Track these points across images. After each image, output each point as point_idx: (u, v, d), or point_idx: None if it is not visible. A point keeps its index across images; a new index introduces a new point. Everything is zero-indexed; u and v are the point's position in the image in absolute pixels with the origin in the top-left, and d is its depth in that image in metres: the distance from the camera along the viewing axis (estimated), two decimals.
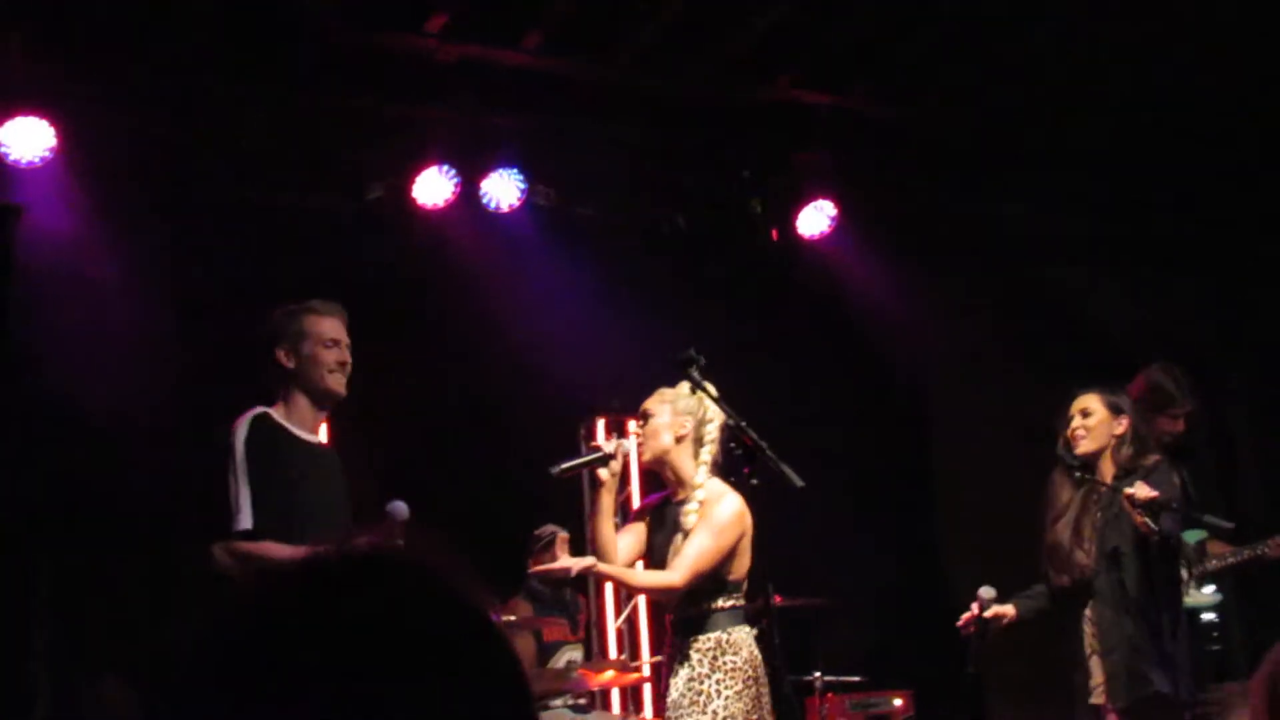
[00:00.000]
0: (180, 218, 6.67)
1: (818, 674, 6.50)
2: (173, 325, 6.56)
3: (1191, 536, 5.95)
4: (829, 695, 6.61)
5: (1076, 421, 5.22)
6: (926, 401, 8.46)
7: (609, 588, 7.67)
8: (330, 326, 4.43)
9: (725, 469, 4.49)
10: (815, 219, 7.56)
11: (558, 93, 6.83)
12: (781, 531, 4.63)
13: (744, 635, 4.53)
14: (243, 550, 4.04)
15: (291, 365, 4.36)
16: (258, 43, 6.15)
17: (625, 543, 4.70)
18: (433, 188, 6.80)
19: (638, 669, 6.97)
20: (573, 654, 6.77)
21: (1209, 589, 6.07)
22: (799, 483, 4.00)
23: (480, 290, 7.14)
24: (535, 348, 7.29)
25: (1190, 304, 8.72)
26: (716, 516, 4.42)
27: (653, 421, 4.67)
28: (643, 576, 4.75)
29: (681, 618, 4.57)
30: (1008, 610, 5.09)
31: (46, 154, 5.99)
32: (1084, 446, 5.19)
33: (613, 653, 7.52)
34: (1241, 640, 6.76)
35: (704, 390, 4.31)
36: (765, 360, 7.49)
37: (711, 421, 4.60)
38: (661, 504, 4.75)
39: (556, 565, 4.97)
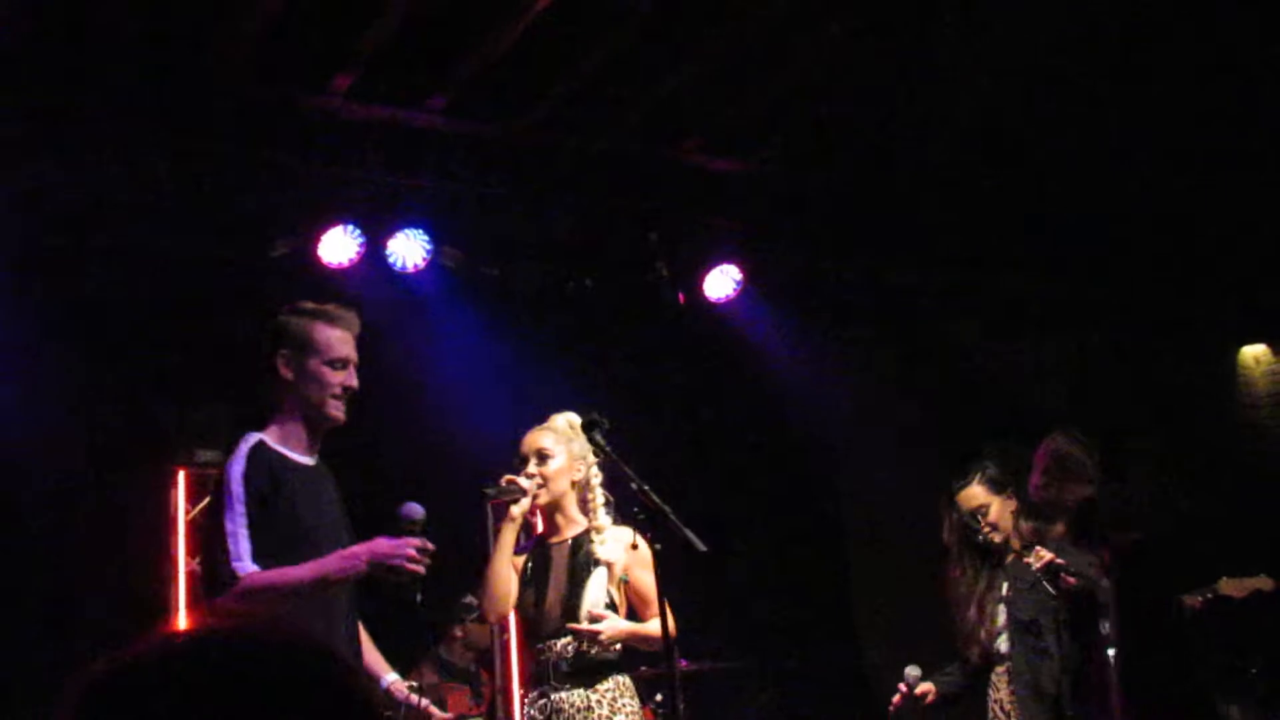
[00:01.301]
0: (79, 269, 6.58)
1: None
2: (78, 375, 6.46)
3: None
4: None
5: (982, 523, 5.28)
6: (831, 461, 8.52)
7: (514, 658, 7.59)
8: (341, 341, 3.90)
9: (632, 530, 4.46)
10: (721, 282, 7.62)
11: (465, 153, 6.83)
12: (688, 594, 4.63)
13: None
14: (257, 586, 3.48)
15: (290, 377, 3.85)
16: (169, 92, 6.08)
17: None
18: (338, 246, 6.75)
19: None
20: None
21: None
22: (701, 547, 3.99)
23: (386, 350, 7.08)
24: (442, 407, 7.24)
25: (1092, 364, 8.88)
26: (646, 554, 4.30)
27: (551, 463, 4.66)
28: (655, 627, 4.37)
29: (588, 663, 4.51)
30: (930, 688, 5.10)
31: None
32: (997, 539, 5.29)
33: None
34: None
35: (607, 454, 4.30)
36: (671, 421, 7.51)
37: (595, 463, 4.65)
38: (538, 546, 4.72)
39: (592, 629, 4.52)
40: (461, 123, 6.62)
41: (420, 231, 6.85)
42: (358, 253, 6.77)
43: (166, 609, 6.61)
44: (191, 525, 6.89)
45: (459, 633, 6.83)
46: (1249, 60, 6.73)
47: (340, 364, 3.87)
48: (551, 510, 4.72)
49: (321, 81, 6.20)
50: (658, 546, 4.08)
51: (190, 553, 6.84)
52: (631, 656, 4.72)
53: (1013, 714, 5.04)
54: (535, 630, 4.63)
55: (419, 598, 3.73)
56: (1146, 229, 8.16)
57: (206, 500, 3.87)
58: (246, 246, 6.86)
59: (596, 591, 4.58)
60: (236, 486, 3.62)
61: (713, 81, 6.59)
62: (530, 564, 4.70)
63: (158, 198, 6.48)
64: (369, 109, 6.39)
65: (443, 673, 6.71)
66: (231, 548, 3.54)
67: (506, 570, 4.59)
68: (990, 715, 5.10)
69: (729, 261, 7.57)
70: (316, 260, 6.77)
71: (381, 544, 3.64)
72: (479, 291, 7.37)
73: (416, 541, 3.67)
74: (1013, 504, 5.29)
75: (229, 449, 3.78)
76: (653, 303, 7.72)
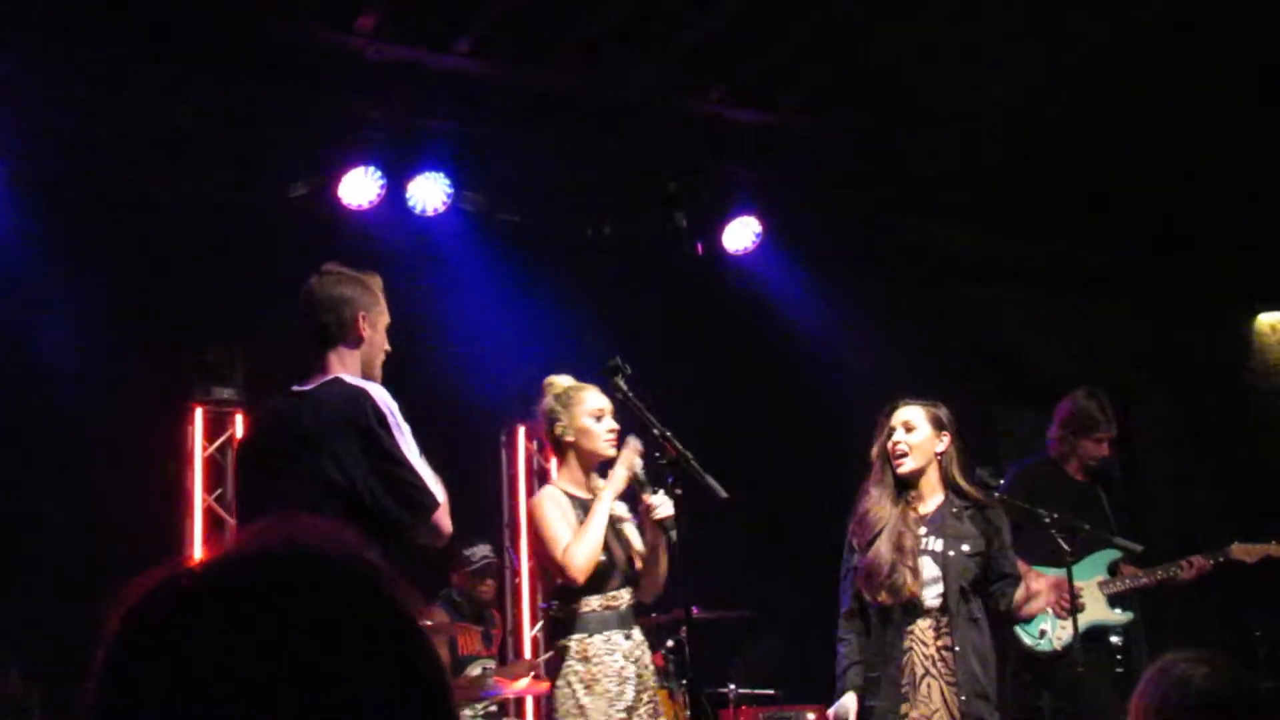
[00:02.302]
0: (100, 208, 6.59)
1: (732, 686, 6.51)
2: (87, 319, 6.48)
3: (1104, 558, 6.04)
4: (743, 708, 6.62)
5: (899, 435, 4.85)
6: (845, 416, 8.52)
7: (526, 600, 7.66)
8: (385, 306, 3.98)
9: (649, 477, 4.47)
10: (740, 234, 7.61)
11: (487, 97, 6.81)
12: (702, 544, 4.64)
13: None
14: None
15: (367, 335, 3.86)
16: (186, 32, 6.07)
17: None
18: (358, 188, 6.74)
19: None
20: (485, 665, 6.73)
21: (1118, 610, 6.17)
22: (722, 493, 4.01)
23: (402, 293, 7.07)
24: (458, 353, 7.26)
25: (1108, 328, 8.88)
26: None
27: (611, 419, 4.67)
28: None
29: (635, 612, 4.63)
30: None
31: None
32: (907, 465, 4.83)
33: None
34: (1148, 662, 6.87)
35: (629, 399, 4.31)
36: (688, 371, 7.52)
37: None
38: (577, 504, 4.64)
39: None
40: (485, 66, 6.59)
41: (441, 175, 6.84)
42: (378, 195, 6.77)
43: (183, 542, 6.65)
44: (209, 461, 6.93)
45: (457, 580, 6.86)
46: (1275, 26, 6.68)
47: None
48: (601, 467, 4.72)
49: (346, 21, 6.18)
50: (678, 492, 4.10)
51: (206, 488, 6.87)
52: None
53: (950, 672, 4.71)
54: (602, 581, 4.54)
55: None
56: (1166, 194, 8.13)
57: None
58: (266, 187, 6.86)
59: (634, 537, 4.68)
60: (399, 416, 3.65)
61: (735, 30, 6.55)
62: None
63: (178, 137, 6.48)
64: (393, 49, 6.36)
65: (454, 613, 6.75)
66: (423, 472, 3.62)
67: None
68: (915, 669, 4.64)
69: (748, 213, 7.56)
70: (336, 202, 6.77)
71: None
72: (498, 236, 7.36)
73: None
74: (945, 447, 4.94)
75: (338, 389, 3.73)
76: (671, 252, 7.72)
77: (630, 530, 4.69)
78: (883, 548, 4.71)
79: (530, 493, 8.06)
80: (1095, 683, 5.72)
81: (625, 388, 4.29)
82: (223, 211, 6.90)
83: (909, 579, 4.66)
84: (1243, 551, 6.02)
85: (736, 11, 6.35)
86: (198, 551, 6.49)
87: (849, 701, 4.69)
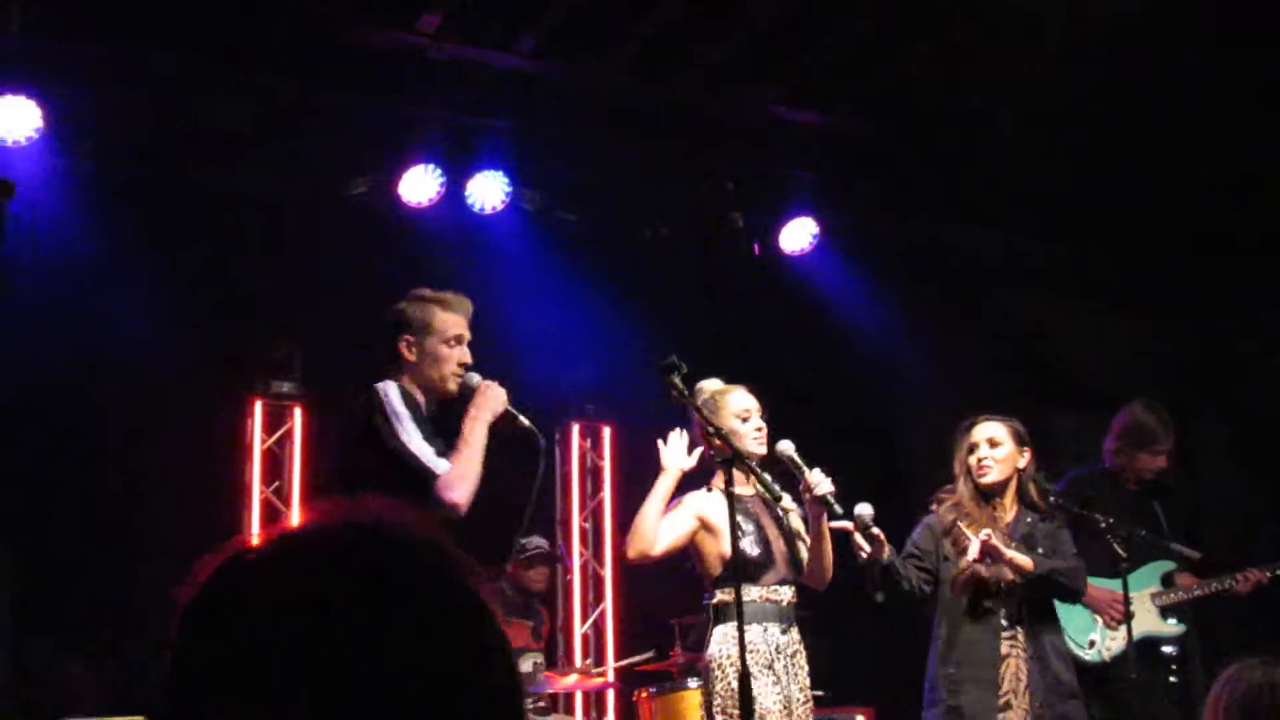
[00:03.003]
0: (164, 204, 6.68)
1: None
2: (149, 312, 6.57)
3: (1157, 569, 6.00)
4: None
5: (984, 451, 5.06)
6: (897, 416, 8.51)
7: (578, 593, 7.70)
8: (455, 323, 4.26)
9: (704, 474, 4.50)
10: (797, 235, 7.61)
11: (547, 97, 6.85)
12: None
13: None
14: (453, 475, 3.91)
15: (413, 358, 4.17)
16: (250, 28, 6.15)
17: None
18: (418, 185, 6.80)
19: (602, 674, 6.97)
20: (535, 659, 6.77)
21: (1171, 621, 6.13)
22: (779, 492, 4.03)
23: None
24: (513, 351, 7.29)
25: (1161, 335, 8.80)
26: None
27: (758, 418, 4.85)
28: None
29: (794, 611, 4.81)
30: (885, 544, 4.81)
31: (34, 134, 5.98)
32: (991, 477, 5.05)
33: (578, 659, 7.52)
34: (1203, 673, 6.82)
35: (686, 397, 4.33)
36: (742, 371, 7.51)
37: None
38: (723, 496, 4.58)
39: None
40: (546, 65, 6.64)
41: (500, 173, 6.89)
42: (438, 193, 6.82)
43: (241, 535, 6.72)
44: (267, 454, 7.01)
45: (510, 569, 6.91)
46: None
47: (456, 341, 4.22)
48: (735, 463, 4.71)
49: (409, 20, 6.24)
50: (734, 489, 4.12)
51: (264, 480, 6.96)
52: None
53: (1040, 675, 4.87)
54: (756, 573, 4.67)
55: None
56: (1223, 199, 8.05)
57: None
58: (327, 185, 6.93)
59: (799, 541, 4.81)
60: (401, 408, 3.97)
61: (794, 31, 6.56)
62: (731, 512, 4.56)
63: (241, 135, 6.56)
64: (456, 48, 6.42)
65: (503, 606, 6.79)
66: (419, 455, 3.89)
67: (660, 515, 4.71)
68: (1011, 673, 4.85)
69: (806, 214, 7.56)
70: (396, 199, 6.83)
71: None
72: (556, 236, 7.40)
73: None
74: (1024, 460, 5.11)
75: (363, 393, 4.06)
76: (728, 253, 7.73)
77: (796, 520, 4.80)
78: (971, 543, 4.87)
79: (583, 491, 8.11)
80: (1146, 694, 5.70)
81: (681, 385, 4.32)
82: (285, 208, 6.98)
83: (1006, 585, 4.88)
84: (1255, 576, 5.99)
85: (792, 11, 6.35)
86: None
87: (871, 510, 4.81)
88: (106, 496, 6.55)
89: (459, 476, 3.88)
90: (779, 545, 4.78)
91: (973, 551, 4.84)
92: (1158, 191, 7.92)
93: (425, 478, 3.86)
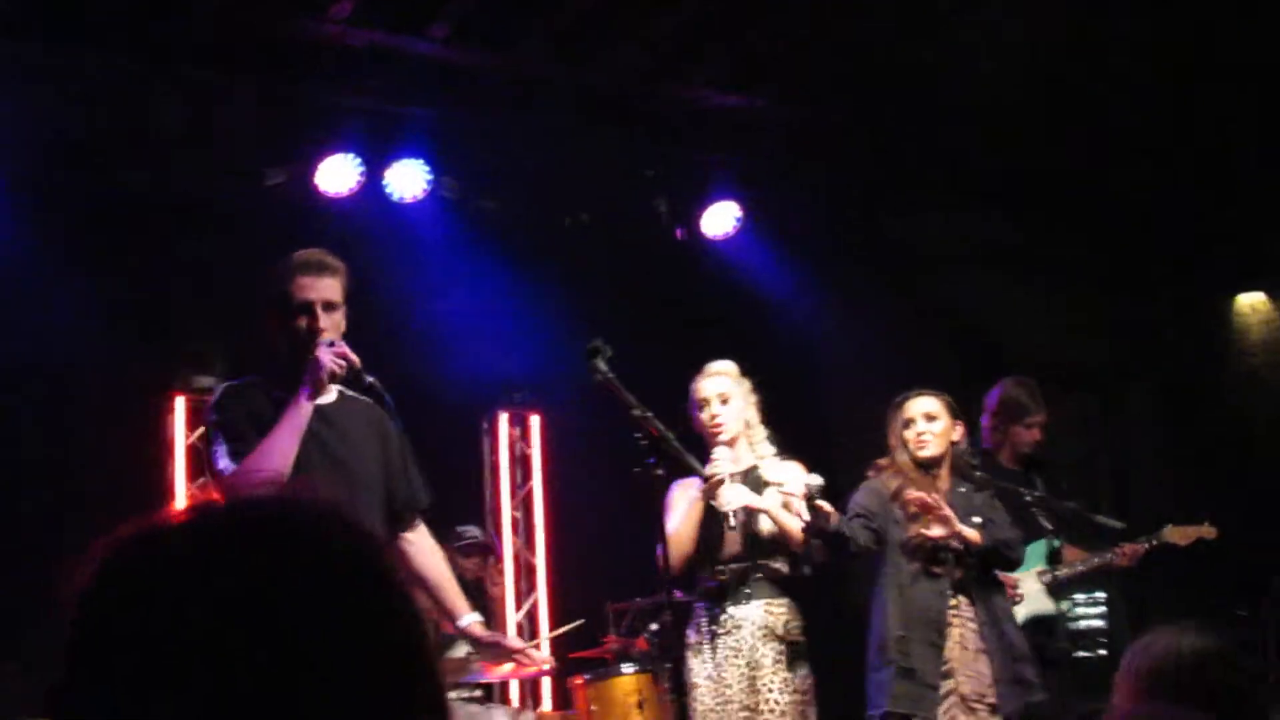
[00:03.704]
0: (82, 200, 6.57)
1: None
2: (68, 309, 6.46)
3: (1040, 548, 6.06)
4: None
5: (922, 425, 5.16)
6: (824, 398, 8.55)
7: (510, 579, 7.67)
8: (305, 288, 3.91)
9: (631, 459, 4.49)
10: (720, 219, 7.61)
11: (465, 83, 6.80)
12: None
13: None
14: (244, 466, 3.79)
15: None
16: (164, 20, 6.04)
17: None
18: (336, 175, 6.73)
19: (536, 647, 6.94)
20: (468, 647, 6.73)
21: (1091, 595, 6.22)
22: (705, 472, 4.03)
23: (382, 282, 7.07)
24: (438, 341, 7.25)
25: (1086, 310, 8.90)
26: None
27: (732, 404, 5.10)
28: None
29: (763, 584, 5.01)
30: (834, 514, 4.86)
31: None
32: (929, 450, 5.15)
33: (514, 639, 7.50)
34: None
35: (609, 380, 4.31)
36: (668, 354, 7.51)
37: (755, 402, 5.20)
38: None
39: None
40: (463, 52, 6.58)
41: (420, 161, 6.83)
42: (356, 182, 6.75)
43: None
44: (191, 450, 6.92)
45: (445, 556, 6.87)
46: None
47: (304, 308, 3.90)
48: (733, 444, 5.08)
49: (322, 6, 6.16)
50: (659, 471, 4.12)
51: (189, 477, 6.86)
52: (793, 582, 5.06)
53: (991, 639, 4.98)
54: (713, 556, 4.96)
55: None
56: (1145, 175, 8.15)
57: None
58: (243, 176, 6.84)
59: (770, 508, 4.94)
60: (208, 415, 3.97)
61: (717, 15, 6.55)
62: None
63: (152, 127, 6.46)
64: (369, 34, 6.35)
65: None
66: (216, 457, 3.85)
67: (694, 534, 4.92)
68: (959, 639, 4.97)
69: (728, 198, 7.56)
70: (314, 189, 6.75)
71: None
72: (477, 223, 7.35)
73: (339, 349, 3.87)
74: (959, 434, 5.27)
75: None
76: (651, 238, 7.72)
77: (756, 497, 4.96)
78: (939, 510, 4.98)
79: (513, 479, 8.07)
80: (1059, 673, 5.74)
81: (605, 369, 4.30)
82: (200, 201, 6.87)
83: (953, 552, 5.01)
84: (1176, 534, 6.08)
85: None
86: None
87: (821, 481, 4.89)
88: (31, 495, 6.43)
89: (252, 466, 3.74)
90: (728, 523, 4.89)
91: (937, 531, 4.92)
92: (1084, 167, 8.01)
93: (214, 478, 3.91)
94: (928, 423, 5.17)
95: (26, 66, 6.08)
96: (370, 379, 3.92)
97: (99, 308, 6.57)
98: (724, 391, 5.11)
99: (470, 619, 4.22)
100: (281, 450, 3.76)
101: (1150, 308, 8.87)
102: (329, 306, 3.92)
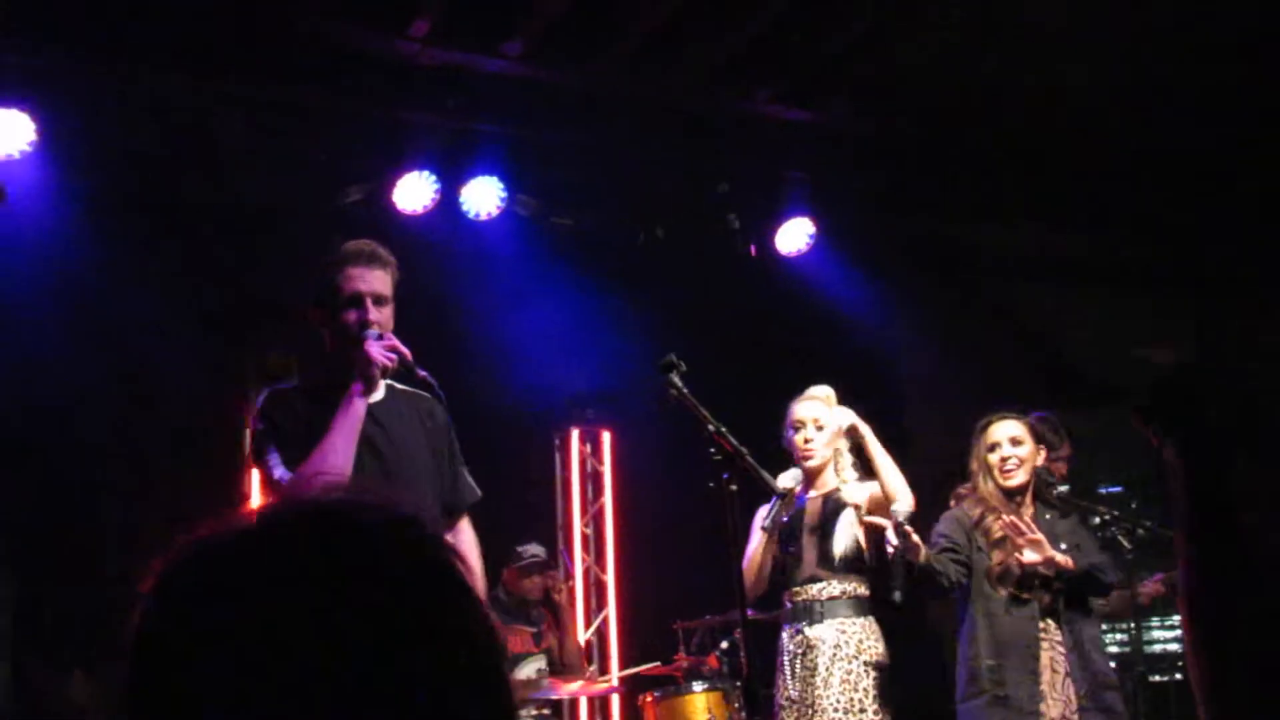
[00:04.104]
0: (157, 215, 6.67)
1: None
2: (148, 322, 6.56)
3: None
4: None
5: (1008, 449, 5.07)
6: (898, 416, 8.48)
7: (580, 598, 7.67)
8: (354, 279, 3.79)
9: (704, 475, 4.47)
10: (794, 236, 7.59)
11: (539, 101, 6.83)
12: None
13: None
14: (301, 471, 3.64)
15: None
16: (241, 40, 6.13)
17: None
18: (412, 193, 6.78)
19: (606, 680, 6.95)
20: (538, 664, 6.75)
21: (1166, 619, 6.17)
22: (779, 489, 4.02)
23: (457, 298, 7.13)
24: (511, 358, 7.28)
25: (1163, 327, 8.77)
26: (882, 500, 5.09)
27: (826, 431, 5.23)
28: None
29: (839, 605, 5.12)
30: (920, 546, 4.82)
31: (27, 147, 5.97)
32: (1018, 478, 5.07)
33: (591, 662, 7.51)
34: None
35: (684, 395, 4.30)
36: (742, 371, 7.50)
37: (846, 428, 5.27)
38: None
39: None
40: (537, 69, 6.61)
41: (495, 179, 6.87)
42: (432, 199, 6.80)
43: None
44: None
45: (506, 577, 6.88)
46: None
47: (353, 301, 3.79)
48: (815, 471, 5.23)
49: (399, 26, 6.22)
50: (734, 487, 4.09)
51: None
52: (867, 602, 5.14)
53: (1078, 666, 4.93)
54: (792, 577, 5.12)
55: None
56: (1218, 192, 8.02)
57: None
58: (321, 194, 6.92)
59: (844, 534, 5.10)
60: (255, 424, 3.79)
61: (788, 31, 6.54)
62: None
63: (234, 144, 6.54)
64: (446, 54, 6.39)
65: (502, 614, 6.76)
66: (270, 466, 3.69)
67: (759, 568, 5.09)
68: (1048, 665, 4.90)
69: (802, 214, 7.54)
70: (391, 207, 6.81)
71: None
72: (551, 240, 7.38)
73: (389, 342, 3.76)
74: (1042, 458, 5.19)
75: None
76: (724, 255, 7.71)
77: (844, 520, 5.15)
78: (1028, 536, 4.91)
79: (584, 496, 8.09)
80: None
81: (680, 384, 4.29)
82: (279, 218, 6.96)
83: (1040, 577, 4.94)
84: (1152, 590, 6.06)
85: (786, 10, 6.33)
86: None
87: (909, 510, 4.94)
88: (108, 513, 6.52)
89: (311, 471, 3.60)
90: (810, 543, 5.09)
91: (1030, 556, 4.86)
92: (1155, 180, 7.90)
93: (272, 486, 3.71)
94: (1013, 447, 5.08)
95: (112, 82, 6.19)
96: (423, 373, 3.80)
97: (175, 324, 6.67)
98: (819, 417, 5.23)
99: None
100: (340, 450, 3.63)
101: (1225, 325, 8.72)
102: (379, 300, 3.80)
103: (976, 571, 5.02)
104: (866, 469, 5.21)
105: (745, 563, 4.96)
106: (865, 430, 5.16)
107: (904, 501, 4.94)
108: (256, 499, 6.88)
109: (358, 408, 3.71)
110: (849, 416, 5.19)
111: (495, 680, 1.00)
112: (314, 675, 0.91)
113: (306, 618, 0.93)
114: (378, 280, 3.81)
